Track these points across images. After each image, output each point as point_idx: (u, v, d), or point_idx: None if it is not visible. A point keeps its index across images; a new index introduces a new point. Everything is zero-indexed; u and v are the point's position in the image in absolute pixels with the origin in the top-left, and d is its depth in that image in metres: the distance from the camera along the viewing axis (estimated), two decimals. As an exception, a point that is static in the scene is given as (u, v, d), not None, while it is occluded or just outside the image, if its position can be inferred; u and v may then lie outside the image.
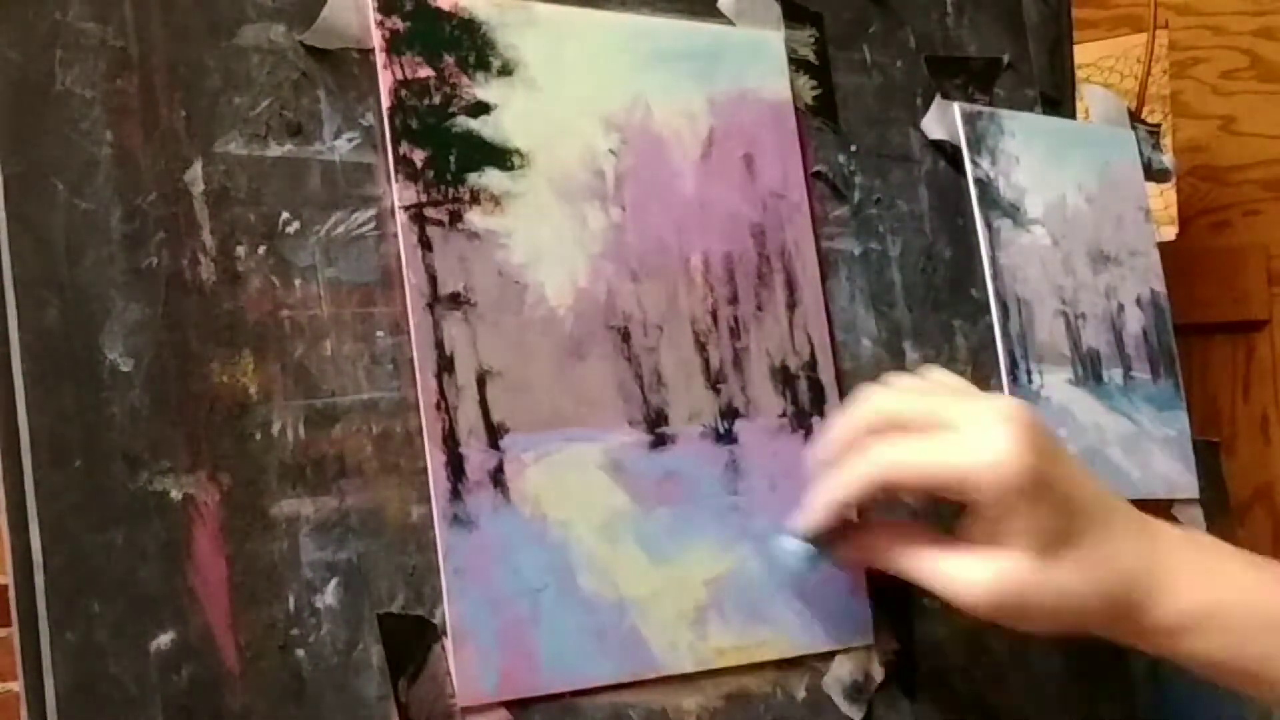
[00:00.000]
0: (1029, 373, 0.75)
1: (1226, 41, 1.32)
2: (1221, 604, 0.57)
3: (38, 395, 0.48)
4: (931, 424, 0.57)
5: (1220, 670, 0.58)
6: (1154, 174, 0.87)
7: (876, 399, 0.59)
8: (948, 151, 0.76)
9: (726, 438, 0.62)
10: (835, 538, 0.60)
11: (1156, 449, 0.80)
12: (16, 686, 0.48)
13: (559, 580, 0.56)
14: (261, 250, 0.53)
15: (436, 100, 0.57)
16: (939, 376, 0.63)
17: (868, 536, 0.61)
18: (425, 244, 0.56)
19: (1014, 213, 0.77)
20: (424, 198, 0.56)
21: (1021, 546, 0.56)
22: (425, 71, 0.57)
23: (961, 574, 0.58)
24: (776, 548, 0.61)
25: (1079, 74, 0.90)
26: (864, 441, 0.58)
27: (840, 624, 0.64)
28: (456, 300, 0.56)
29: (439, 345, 0.56)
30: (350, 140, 0.56)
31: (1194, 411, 0.85)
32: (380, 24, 0.57)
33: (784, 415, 0.64)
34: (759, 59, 0.68)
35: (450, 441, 0.55)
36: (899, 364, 0.70)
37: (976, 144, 0.76)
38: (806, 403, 0.65)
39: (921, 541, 0.59)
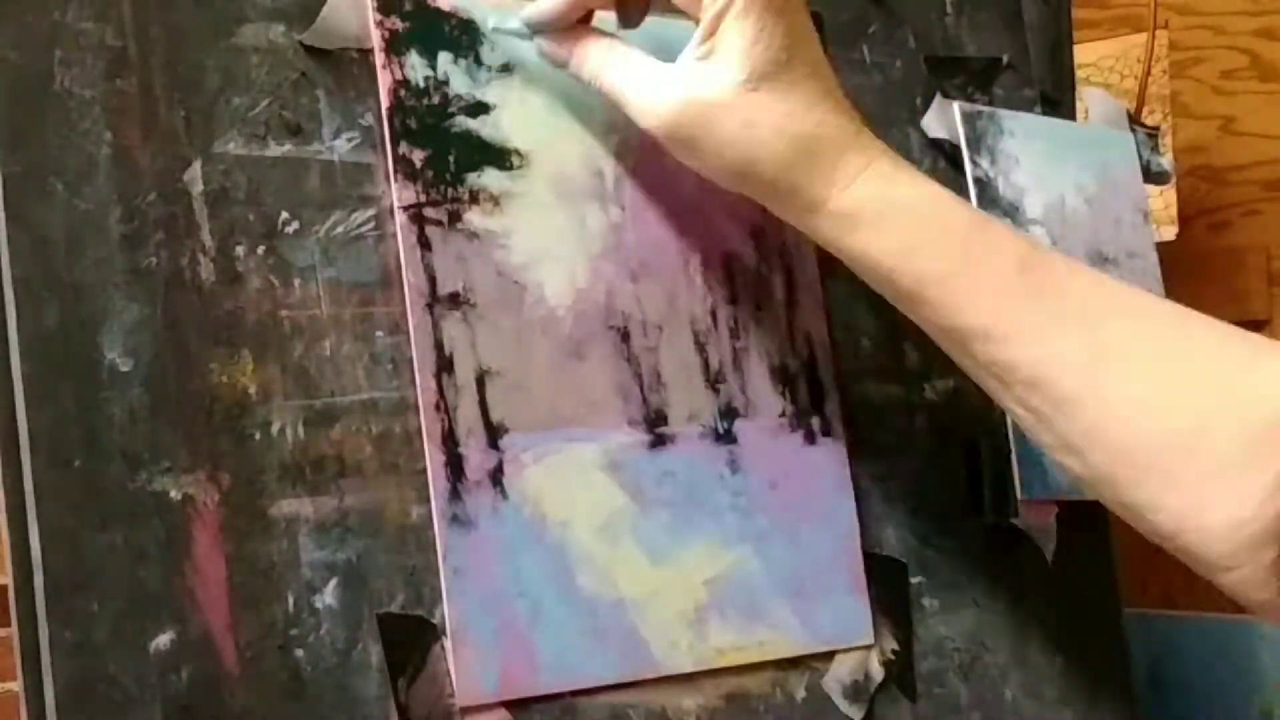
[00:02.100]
0: (1028, 373, 0.75)
1: (1226, 41, 1.32)
2: (902, 205, 0.55)
3: (37, 395, 0.48)
4: None
5: (886, 276, 0.56)
6: (1152, 176, 0.87)
7: None
8: (947, 151, 0.76)
9: (726, 437, 0.62)
10: (556, 25, 0.58)
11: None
12: (16, 686, 0.48)
13: (558, 580, 0.56)
14: (261, 250, 0.53)
15: (435, 100, 0.57)
16: None
17: (579, 35, 0.58)
18: (424, 244, 0.56)
19: (1013, 212, 0.77)
20: (423, 198, 0.56)
21: (727, 65, 0.54)
22: (424, 71, 0.57)
23: (653, 86, 0.56)
24: (497, 27, 0.59)
25: (1079, 74, 0.90)
26: None
27: (840, 624, 0.64)
28: (456, 300, 0.56)
29: (438, 345, 0.56)
30: (349, 140, 0.56)
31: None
32: (379, 24, 0.57)
33: (783, 415, 0.64)
34: (758, 59, 0.67)
35: (449, 441, 0.55)
36: (899, 363, 0.71)
37: (976, 143, 0.76)
38: (806, 402, 0.65)
39: (633, 55, 0.57)
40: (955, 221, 0.56)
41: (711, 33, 0.54)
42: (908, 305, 0.57)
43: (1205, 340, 0.54)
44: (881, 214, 0.55)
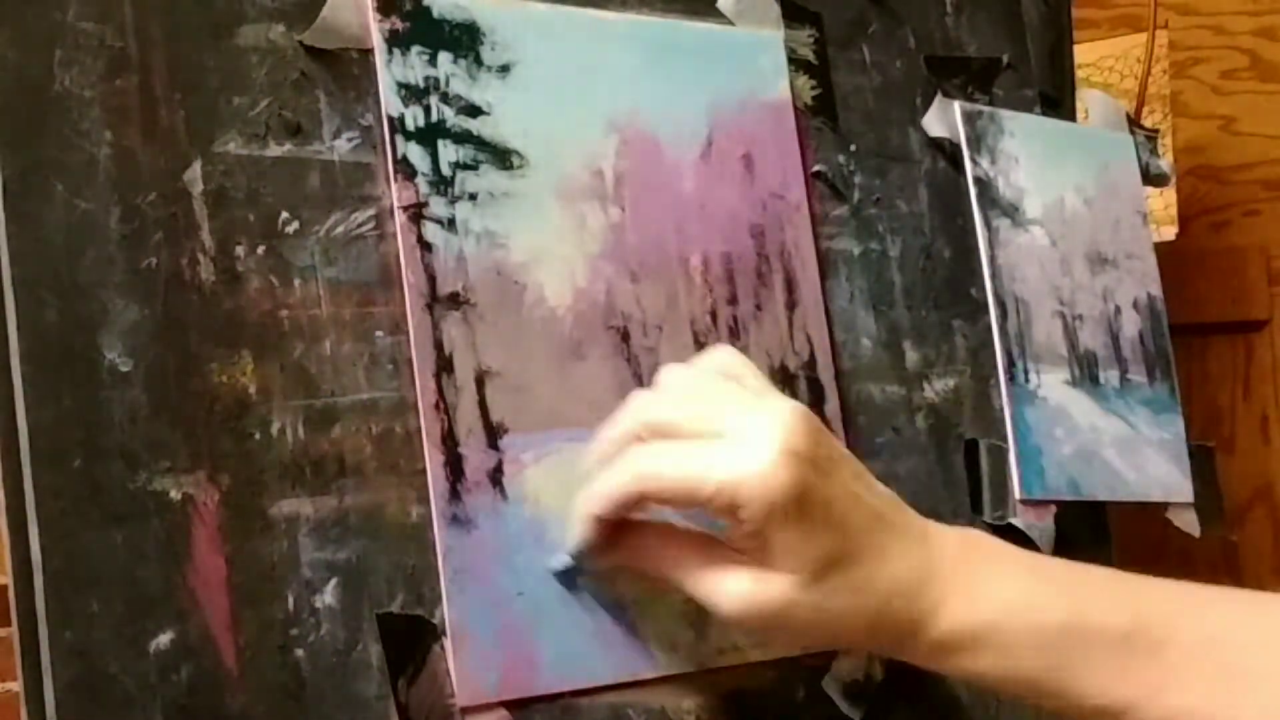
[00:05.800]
0: (1026, 372, 0.75)
1: (1226, 41, 1.32)
2: (989, 626, 0.54)
3: (37, 395, 0.48)
4: (698, 431, 0.53)
5: (996, 686, 0.56)
6: (1152, 179, 0.87)
7: (642, 405, 0.55)
8: (947, 151, 0.76)
9: (726, 438, 0.62)
10: (603, 546, 0.55)
11: (1152, 452, 0.80)
12: (16, 686, 0.48)
13: (558, 580, 0.56)
14: (261, 250, 0.53)
15: (435, 100, 0.57)
16: (722, 362, 0.57)
17: (633, 539, 0.56)
18: (424, 244, 0.56)
19: (1013, 212, 0.77)
20: (423, 198, 0.56)
21: (787, 566, 0.52)
22: (424, 71, 0.57)
23: (722, 586, 0.53)
24: (553, 566, 0.56)
25: (1079, 74, 0.90)
26: (626, 451, 0.54)
27: (839, 624, 0.64)
28: (455, 300, 0.56)
29: (438, 345, 0.56)
30: (349, 140, 0.56)
31: (1194, 412, 0.85)
32: (379, 24, 0.57)
33: (783, 415, 0.64)
34: (758, 59, 0.68)
35: (449, 441, 0.55)
36: (899, 363, 0.71)
37: (976, 143, 0.76)
38: (806, 403, 0.65)
39: (686, 548, 0.55)
40: (1048, 620, 0.55)
41: (757, 541, 0.52)
42: (1026, 699, 0.56)
43: None
44: (970, 639, 0.54)
